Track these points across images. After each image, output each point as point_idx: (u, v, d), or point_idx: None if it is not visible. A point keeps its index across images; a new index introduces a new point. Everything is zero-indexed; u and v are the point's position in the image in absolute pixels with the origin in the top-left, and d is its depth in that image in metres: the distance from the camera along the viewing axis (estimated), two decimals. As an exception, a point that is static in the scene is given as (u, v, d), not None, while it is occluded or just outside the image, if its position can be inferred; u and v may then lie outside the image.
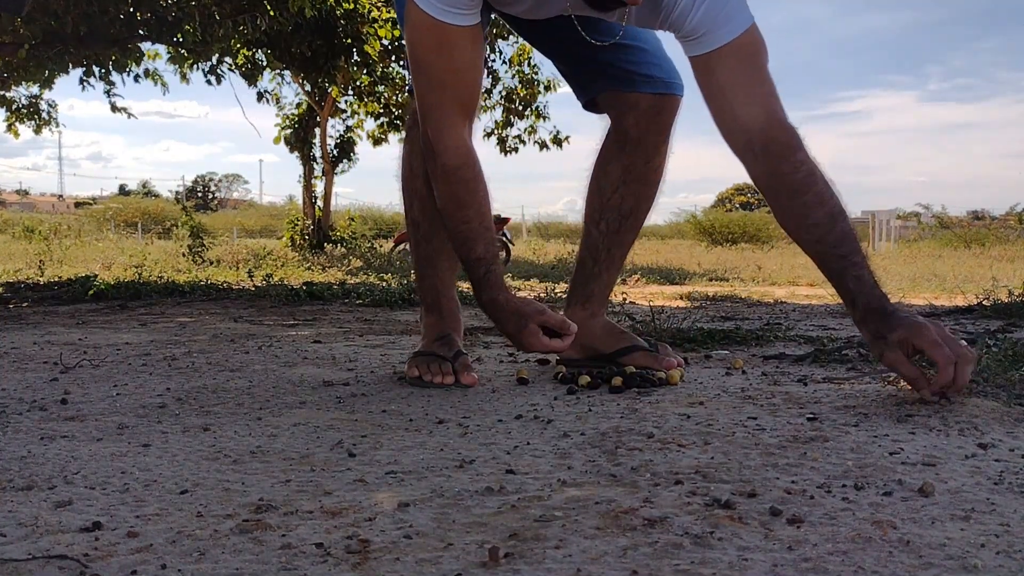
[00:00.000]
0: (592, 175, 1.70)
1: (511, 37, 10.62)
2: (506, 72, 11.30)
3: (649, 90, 1.60)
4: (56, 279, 4.71)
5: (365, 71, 10.20)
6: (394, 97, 11.54)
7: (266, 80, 9.87)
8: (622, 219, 1.68)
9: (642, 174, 1.65)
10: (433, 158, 1.45)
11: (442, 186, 1.45)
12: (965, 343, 1.23)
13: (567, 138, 11.72)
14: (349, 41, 9.00)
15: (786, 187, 1.36)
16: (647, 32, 1.61)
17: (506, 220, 11.02)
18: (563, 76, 1.72)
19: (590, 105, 1.69)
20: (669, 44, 1.63)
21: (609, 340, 1.69)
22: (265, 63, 8.43)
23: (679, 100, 1.63)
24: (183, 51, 6.81)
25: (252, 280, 4.54)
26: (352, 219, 13.60)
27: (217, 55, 7.06)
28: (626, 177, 1.65)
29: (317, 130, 12.55)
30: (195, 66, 7.42)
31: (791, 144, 1.36)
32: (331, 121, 12.63)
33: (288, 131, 12.61)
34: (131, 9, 6.17)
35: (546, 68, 11.25)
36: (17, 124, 7.98)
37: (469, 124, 1.45)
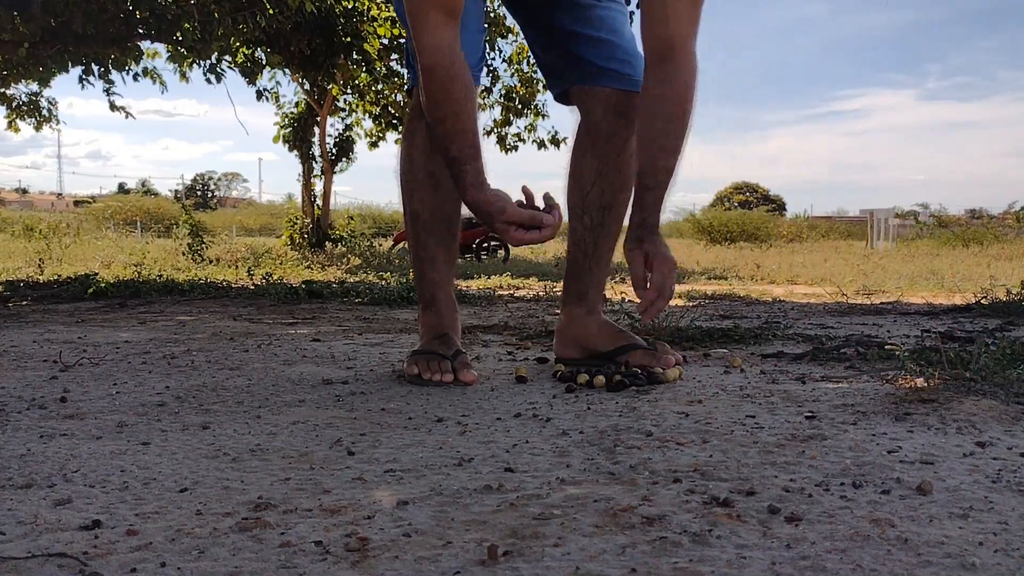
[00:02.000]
0: (569, 171, 1.72)
1: (510, 36, 10.62)
2: (505, 71, 11.30)
3: (616, 85, 1.63)
4: (55, 278, 4.71)
5: (364, 69, 10.19)
6: (392, 96, 11.55)
7: (265, 79, 9.88)
8: (603, 211, 1.69)
9: (616, 164, 1.67)
10: (418, 60, 1.49)
11: (423, 88, 1.46)
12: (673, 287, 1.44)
13: (565, 139, 11.73)
14: (348, 39, 9.00)
15: (660, 109, 1.47)
16: (623, 24, 1.66)
17: (505, 219, 10.99)
18: (539, 66, 1.77)
19: (562, 97, 1.72)
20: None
21: (608, 339, 1.69)
22: (265, 61, 8.43)
23: (636, 97, 1.63)
24: (182, 49, 6.81)
25: (251, 278, 4.54)
26: (351, 218, 13.61)
27: (216, 53, 7.05)
28: (601, 169, 1.67)
29: (316, 129, 12.55)
30: (194, 64, 7.42)
31: (686, 79, 1.47)
32: (330, 120, 12.63)
33: (287, 130, 12.61)
34: (130, 8, 6.16)
35: (545, 66, 11.22)
36: (17, 121, 7.99)
37: (453, 27, 1.45)
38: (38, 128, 8.18)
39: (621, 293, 4.08)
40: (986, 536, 0.75)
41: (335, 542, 0.74)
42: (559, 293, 4.03)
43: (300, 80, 11.24)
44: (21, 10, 5.24)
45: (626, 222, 1.54)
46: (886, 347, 1.86)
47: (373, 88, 11.33)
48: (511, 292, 4.37)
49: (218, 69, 7.38)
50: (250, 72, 8.36)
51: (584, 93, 1.66)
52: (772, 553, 0.71)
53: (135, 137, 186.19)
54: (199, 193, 59.85)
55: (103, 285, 3.81)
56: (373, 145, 12.81)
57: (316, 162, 12.82)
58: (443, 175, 1.60)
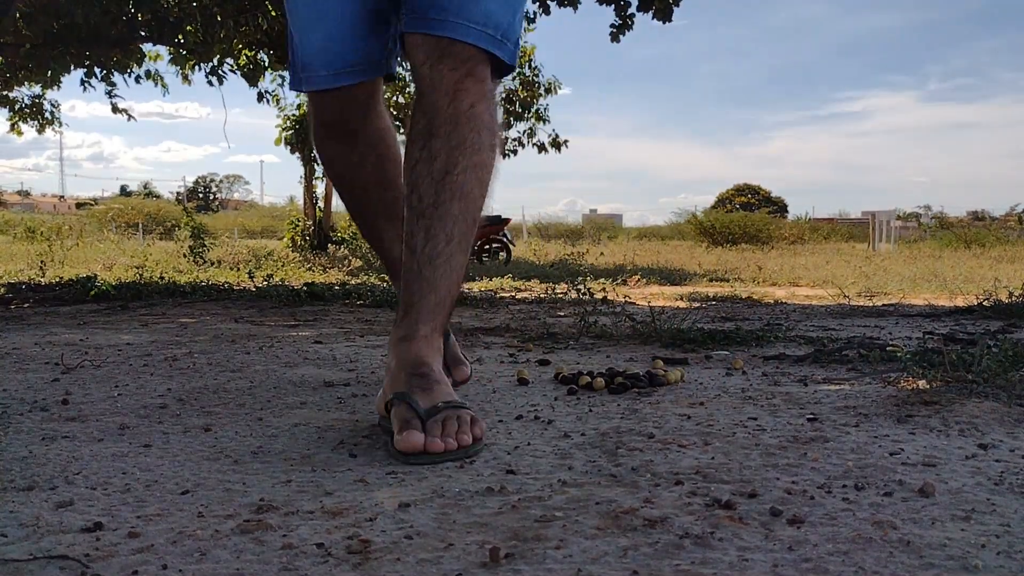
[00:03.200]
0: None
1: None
2: (507, 73, 11.30)
3: (424, 30, 1.22)
4: (57, 280, 4.71)
5: (366, 72, 10.17)
6: (394, 98, 11.56)
7: (267, 81, 9.88)
8: (436, 183, 1.20)
9: (450, 119, 1.21)
10: None
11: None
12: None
13: (565, 142, 11.73)
14: (350, 41, 8.98)
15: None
16: None
17: (507, 220, 11.03)
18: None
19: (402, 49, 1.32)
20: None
21: (395, 378, 1.16)
22: (267, 63, 8.44)
23: (470, 49, 1.22)
24: (184, 52, 6.82)
25: (253, 281, 4.54)
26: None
27: (218, 56, 7.07)
28: (431, 126, 1.22)
29: (318, 131, 12.56)
30: (196, 67, 7.44)
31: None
32: (332, 122, 12.64)
33: (289, 132, 12.62)
34: (132, 10, 6.18)
35: (547, 70, 11.29)
36: (20, 124, 8.00)
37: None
38: (41, 131, 8.19)
39: (624, 296, 4.08)
40: (988, 538, 0.75)
41: (337, 544, 0.74)
42: (561, 294, 4.02)
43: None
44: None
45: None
46: (888, 349, 1.86)
47: (375, 90, 11.34)
48: (512, 294, 4.37)
49: (220, 71, 7.39)
50: (252, 74, 8.37)
51: (407, 40, 1.25)
52: (774, 555, 0.71)
53: (137, 139, 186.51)
54: (201, 195, 59.97)
55: (105, 287, 3.82)
56: (375, 147, 12.81)
57: (318, 164, 12.83)
58: (353, 178, 1.46)
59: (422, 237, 1.20)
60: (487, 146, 1.24)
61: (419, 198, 1.21)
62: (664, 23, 6.30)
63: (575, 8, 6.68)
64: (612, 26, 6.47)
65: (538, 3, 6.85)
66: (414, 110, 1.27)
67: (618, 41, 6.53)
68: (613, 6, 6.42)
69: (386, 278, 5.17)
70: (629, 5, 6.40)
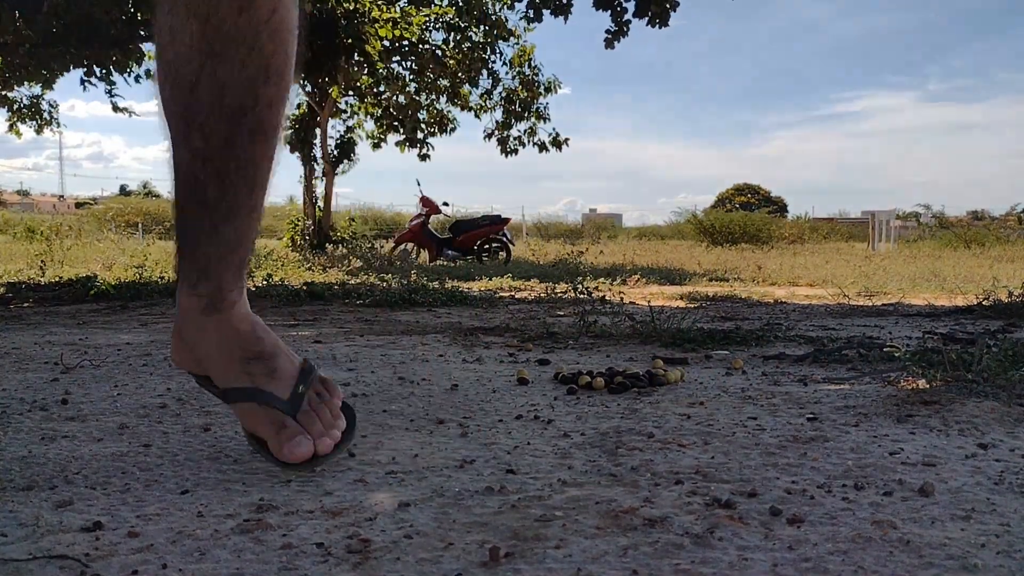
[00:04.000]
0: (157, 51, 0.93)
1: (511, 39, 10.63)
2: (507, 74, 11.31)
3: None
4: (57, 279, 4.71)
5: (366, 71, 10.20)
6: (394, 98, 11.57)
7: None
8: (229, 122, 0.90)
9: (243, 36, 0.87)
10: None
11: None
12: None
13: (566, 140, 11.74)
14: (350, 41, 9.00)
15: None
16: None
17: (506, 220, 11.04)
18: None
19: None
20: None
21: (225, 368, 0.99)
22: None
23: None
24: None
25: (252, 280, 4.54)
26: (352, 219, 13.62)
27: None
28: (213, 42, 0.87)
29: (318, 131, 12.57)
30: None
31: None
32: (331, 122, 12.65)
33: (288, 132, 12.62)
34: (131, 10, 6.18)
35: (547, 70, 11.31)
36: (19, 124, 8.01)
37: None
38: (39, 131, 8.20)
39: (619, 294, 4.08)
40: (988, 538, 0.75)
41: (336, 544, 0.74)
42: (561, 294, 4.02)
43: (301, 82, 11.26)
44: (30, 10, 5.26)
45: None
46: (887, 349, 1.86)
47: (374, 90, 11.35)
48: (512, 294, 4.37)
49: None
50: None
51: None
52: (774, 555, 0.71)
53: (136, 139, 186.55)
54: (200, 195, 59.82)
55: (104, 287, 3.82)
56: (376, 146, 12.84)
57: (317, 164, 12.84)
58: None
59: (215, 187, 0.92)
60: (291, 60, 0.93)
61: (204, 138, 0.90)
62: (660, 28, 6.30)
63: (565, 18, 6.68)
64: (607, 32, 6.46)
65: (532, 11, 6.85)
66: (173, 5, 0.88)
67: (612, 47, 6.53)
68: (609, 12, 6.42)
69: (387, 278, 5.15)
70: (626, 11, 6.40)
